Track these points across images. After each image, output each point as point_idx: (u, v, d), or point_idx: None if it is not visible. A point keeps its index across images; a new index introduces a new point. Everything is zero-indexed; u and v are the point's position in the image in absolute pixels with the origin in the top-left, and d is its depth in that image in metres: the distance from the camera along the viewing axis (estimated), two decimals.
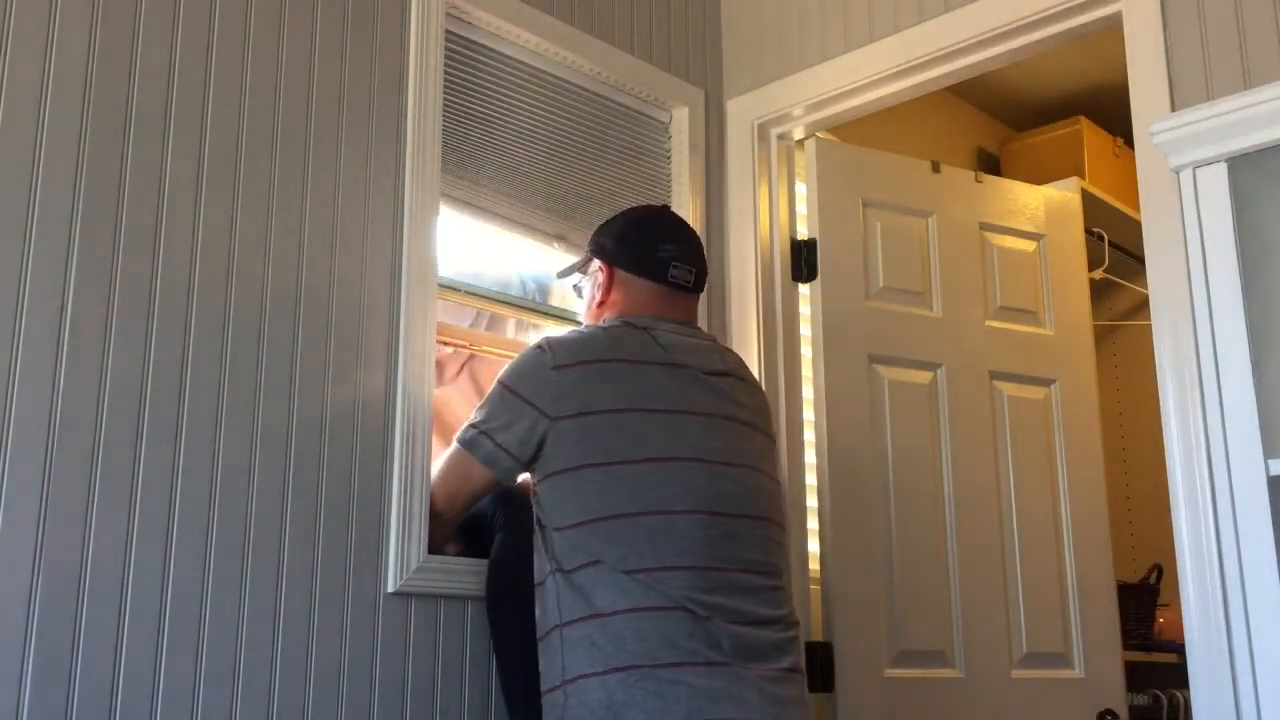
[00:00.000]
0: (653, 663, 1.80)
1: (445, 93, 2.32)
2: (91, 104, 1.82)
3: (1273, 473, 1.75)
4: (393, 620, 2.04)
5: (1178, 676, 2.38)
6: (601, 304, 2.15)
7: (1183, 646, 2.02)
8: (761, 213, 2.82)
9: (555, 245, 2.51)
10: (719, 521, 1.92)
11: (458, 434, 2.05)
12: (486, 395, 2.04)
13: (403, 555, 2.05)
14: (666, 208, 2.29)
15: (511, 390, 1.99)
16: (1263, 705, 1.72)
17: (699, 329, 2.15)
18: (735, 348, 2.78)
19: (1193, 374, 2.03)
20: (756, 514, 1.98)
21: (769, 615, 1.92)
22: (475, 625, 2.15)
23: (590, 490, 1.90)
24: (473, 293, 2.46)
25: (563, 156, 2.57)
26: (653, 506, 1.89)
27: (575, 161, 2.59)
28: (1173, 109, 2.14)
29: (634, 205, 2.35)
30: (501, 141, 2.45)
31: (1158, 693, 3.41)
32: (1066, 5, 2.39)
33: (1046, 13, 2.42)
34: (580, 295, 2.26)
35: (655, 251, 2.12)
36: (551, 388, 1.95)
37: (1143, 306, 3.72)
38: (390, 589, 2.04)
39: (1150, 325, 2.15)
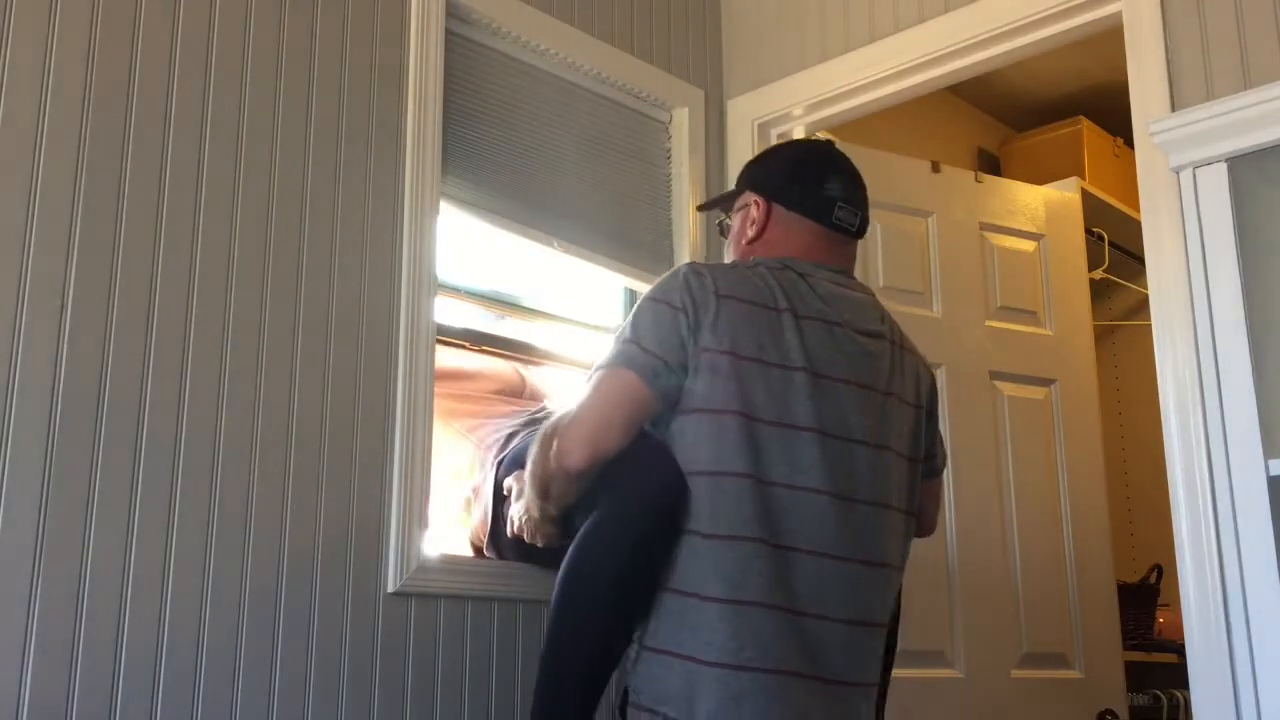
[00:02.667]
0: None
1: (445, 93, 2.32)
2: (91, 104, 1.82)
3: (1273, 473, 1.75)
4: (393, 620, 2.04)
5: (1178, 676, 2.38)
6: (753, 241, 1.95)
7: (1183, 646, 2.02)
8: None
9: (555, 245, 2.51)
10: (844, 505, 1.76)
11: (601, 359, 1.81)
12: (633, 312, 1.83)
13: (403, 555, 2.05)
14: (830, 143, 2.08)
15: (667, 303, 1.79)
16: (1263, 705, 1.72)
17: (856, 279, 1.97)
18: None
19: (1193, 374, 2.03)
20: (877, 500, 1.81)
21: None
22: (475, 625, 2.15)
23: (729, 440, 1.72)
24: (473, 293, 2.46)
25: (562, 156, 2.57)
26: (779, 479, 1.73)
27: (575, 161, 2.59)
28: (1173, 109, 2.14)
29: (792, 140, 2.21)
30: (501, 141, 2.45)
31: (1158, 693, 3.41)
32: (1066, 5, 2.38)
33: (1046, 13, 2.42)
34: (725, 234, 2.08)
35: (821, 189, 1.93)
36: (711, 311, 1.76)
37: (1143, 306, 3.71)
38: (390, 589, 2.04)
39: (1150, 325, 2.15)
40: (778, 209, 1.95)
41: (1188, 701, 2.04)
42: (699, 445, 1.73)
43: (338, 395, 2.04)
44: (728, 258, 2.03)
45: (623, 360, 1.76)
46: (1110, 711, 2.90)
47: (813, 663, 1.70)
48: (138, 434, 1.79)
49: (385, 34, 2.24)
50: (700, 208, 2.23)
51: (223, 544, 1.85)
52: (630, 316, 1.82)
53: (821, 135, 2.91)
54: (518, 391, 2.47)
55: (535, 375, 2.57)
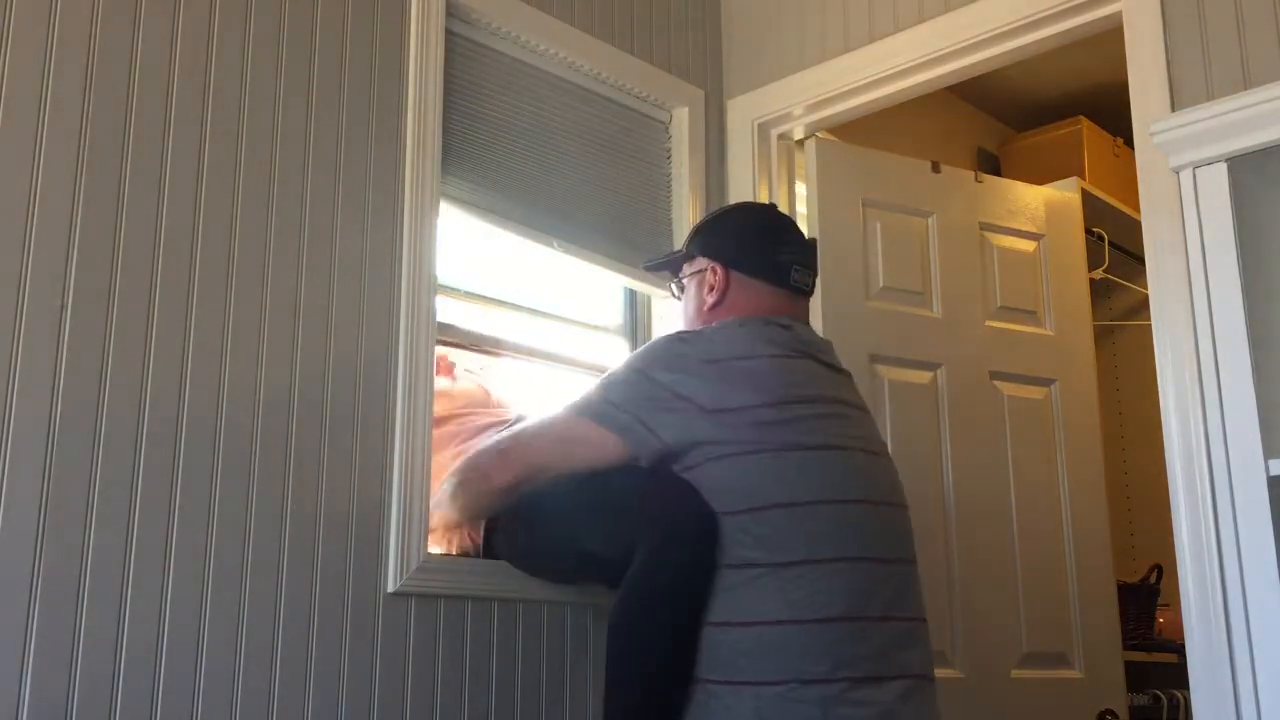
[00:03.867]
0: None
1: (445, 93, 2.32)
2: (91, 104, 1.82)
3: (1273, 473, 1.75)
4: (393, 620, 2.04)
5: (1178, 676, 2.38)
6: (715, 307, 2.07)
7: (1183, 646, 2.02)
8: None
9: (555, 245, 2.51)
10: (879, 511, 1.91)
11: (576, 404, 1.97)
12: (616, 379, 1.96)
13: (403, 555, 2.05)
14: (774, 207, 2.24)
15: (652, 378, 1.91)
16: (1263, 705, 1.72)
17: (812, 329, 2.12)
18: None
19: (1193, 374, 2.03)
20: (889, 502, 1.96)
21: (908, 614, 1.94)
22: (475, 625, 2.15)
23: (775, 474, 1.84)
24: (473, 293, 2.46)
25: (562, 156, 2.57)
26: (825, 496, 1.85)
27: (575, 161, 2.59)
28: (1173, 109, 2.14)
29: (736, 205, 2.33)
30: (501, 141, 2.45)
31: (1158, 693, 3.41)
32: (1066, 5, 2.39)
33: (1046, 13, 2.42)
34: (677, 295, 2.18)
35: (776, 254, 2.06)
36: (700, 379, 1.88)
37: (1143, 306, 3.72)
38: (390, 589, 2.04)
39: (1150, 325, 2.15)
40: (736, 275, 2.06)
41: (1188, 701, 2.04)
42: (732, 484, 1.83)
43: (338, 395, 2.04)
44: (683, 322, 2.13)
45: (600, 415, 1.91)
46: (1110, 711, 2.90)
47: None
48: (138, 434, 1.79)
49: (385, 34, 2.24)
50: (647, 267, 2.31)
51: (222, 544, 1.85)
52: (615, 377, 1.95)
53: (821, 135, 2.91)
54: (484, 405, 2.48)
55: (496, 385, 2.56)
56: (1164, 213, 2.14)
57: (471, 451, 2.05)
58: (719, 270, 2.06)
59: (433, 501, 2.11)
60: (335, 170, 2.11)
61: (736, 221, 2.16)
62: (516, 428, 2.07)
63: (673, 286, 2.19)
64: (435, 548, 2.18)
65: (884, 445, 2.03)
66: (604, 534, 1.92)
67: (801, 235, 2.13)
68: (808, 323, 2.10)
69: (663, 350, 1.95)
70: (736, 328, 1.97)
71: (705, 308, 2.07)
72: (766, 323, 1.99)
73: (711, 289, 2.06)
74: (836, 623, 1.78)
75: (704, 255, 2.09)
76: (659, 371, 1.90)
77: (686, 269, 2.13)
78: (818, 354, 1.99)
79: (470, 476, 2.03)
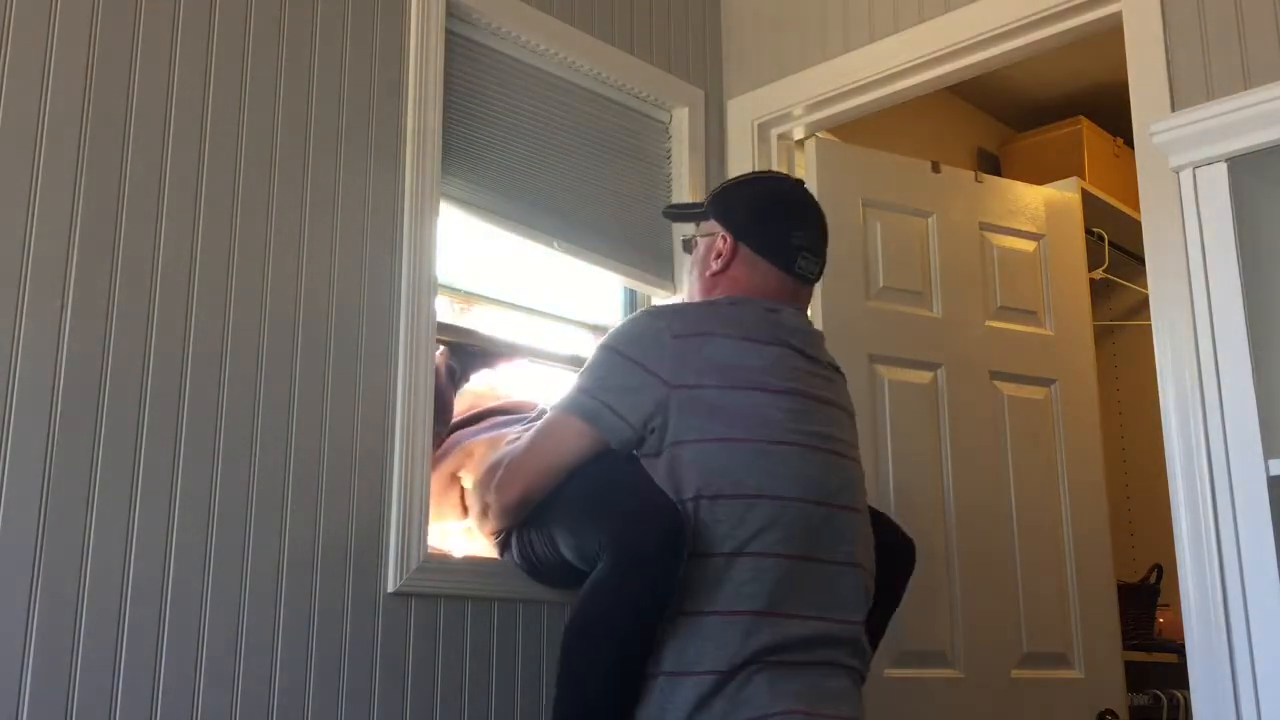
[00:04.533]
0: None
1: (445, 93, 2.32)
2: (91, 104, 1.82)
3: (1273, 473, 1.75)
4: (393, 620, 2.04)
5: (1178, 676, 2.38)
6: (717, 275, 2.04)
7: (1183, 646, 2.02)
8: None
9: (555, 245, 2.51)
10: (821, 511, 1.86)
11: (559, 401, 1.96)
12: (590, 362, 1.95)
13: (403, 555, 2.05)
14: (801, 184, 2.15)
15: (620, 353, 1.90)
16: (1263, 705, 1.72)
17: (809, 320, 2.07)
18: None
19: (1193, 374, 2.03)
20: (846, 505, 1.92)
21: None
22: (475, 625, 2.15)
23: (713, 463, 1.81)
24: (472, 293, 2.46)
25: (563, 156, 2.57)
26: (765, 491, 1.82)
27: (575, 161, 2.59)
28: (1173, 109, 2.14)
29: (764, 173, 2.26)
30: (501, 141, 2.45)
31: (1158, 693, 3.41)
32: (1066, 5, 2.39)
33: (1046, 13, 2.42)
34: (689, 250, 2.15)
35: (788, 237, 2.01)
36: (669, 354, 1.86)
37: (1143, 306, 3.72)
38: (390, 589, 2.04)
39: (1150, 325, 2.15)
40: (744, 249, 2.02)
41: (1188, 701, 2.04)
42: (700, 470, 1.80)
43: (338, 395, 2.04)
44: (688, 278, 2.11)
45: (573, 406, 1.90)
46: (1110, 711, 2.90)
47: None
48: (138, 434, 1.79)
49: (385, 34, 2.24)
50: (666, 213, 2.29)
51: (223, 544, 1.85)
52: (589, 362, 1.93)
53: (821, 135, 2.91)
54: (505, 408, 2.47)
55: (505, 385, 2.56)
56: (1164, 213, 2.14)
57: (484, 467, 2.04)
58: (728, 240, 2.03)
59: (473, 516, 2.13)
60: (335, 170, 2.11)
61: (756, 193, 2.10)
62: (523, 437, 2.03)
63: (685, 241, 2.18)
64: (443, 545, 2.18)
65: (849, 444, 1.98)
66: (572, 543, 1.91)
67: (819, 221, 2.07)
68: (804, 311, 2.06)
69: (634, 325, 1.93)
70: (725, 305, 1.96)
71: (708, 272, 2.05)
72: (754, 306, 1.96)
73: (718, 255, 2.03)
74: (762, 616, 1.77)
75: (718, 220, 2.06)
76: (627, 346, 1.89)
77: (700, 228, 2.11)
78: (799, 344, 1.95)
79: (486, 497, 2.01)
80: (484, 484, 2.00)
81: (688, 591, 1.77)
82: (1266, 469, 1.75)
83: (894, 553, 2.07)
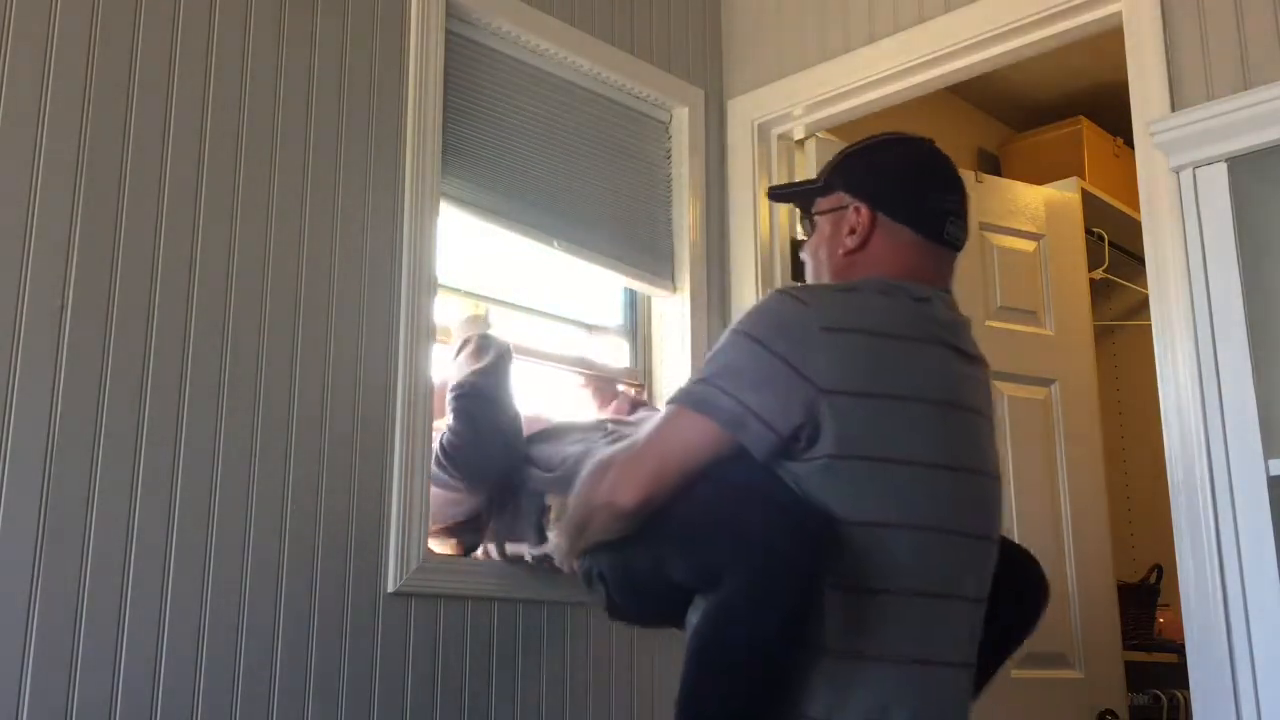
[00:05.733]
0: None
1: (445, 93, 2.32)
2: (91, 104, 1.82)
3: (1273, 473, 1.75)
4: (393, 620, 2.04)
5: (1178, 676, 2.38)
6: (853, 253, 1.74)
7: (1183, 646, 2.02)
8: (762, 213, 2.82)
9: (555, 245, 2.51)
10: (966, 542, 1.64)
11: (682, 394, 1.63)
12: (721, 349, 1.64)
13: (403, 555, 2.05)
14: (933, 143, 1.86)
15: (764, 346, 1.57)
16: (1263, 705, 1.72)
17: (955, 303, 1.78)
18: None
19: (1193, 374, 2.03)
20: (990, 535, 1.69)
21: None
22: (475, 625, 2.15)
23: (893, 487, 1.56)
24: (472, 293, 2.46)
25: (563, 156, 2.57)
26: (956, 526, 1.60)
27: (575, 161, 2.59)
28: (1173, 109, 2.14)
29: (888, 135, 1.89)
30: (501, 141, 2.45)
31: (1158, 693, 3.41)
32: (1066, 5, 2.38)
33: (1046, 13, 2.41)
34: (808, 232, 1.84)
35: (937, 200, 1.74)
36: (822, 351, 1.56)
37: (1143, 306, 3.71)
38: (390, 589, 2.04)
39: (1150, 325, 2.15)
40: (883, 218, 1.73)
41: (1188, 701, 2.04)
42: (842, 493, 1.54)
43: (338, 395, 2.04)
44: (812, 265, 1.82)
45: (701, 403, 1.58)
46: (1110, 711, 2.90)
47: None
48: (138, 434, 1.79)
49: (385, 34, 2.24)
50: (773, 194, 1.99)
51: (223, 544, 1.85)
52: (718, 349, 1.63)
53: (821, 135, 2.91)
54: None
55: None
56: (1164, 213, 2.14)
57: (587, 470, 1.72)
58: (863, 210, 1.73)
59: (551, 543, 1.94)
60: (335, 170, 2.11)
61: (891, 156, 1.82)
62: (632, 438, 1.73)
63: (802, 224, 1.87)
64: (437, 546, 2.18)
65: (998, 464, 1.73)
66: (688, 563, 1.58)
67: (961, 181, 1.81)
68: (950, 288, 1.77)
69: (776, 311, 1.62)
70: (875, 295, 1.66)
71: (842, 251, 1.75)
72: (907, 294, 1.67)
73: (852, 231, 1.74)
74: (919, 666, 1.56)
75: (847, 190, 1.76)
76: (771, 337, 1.58)
77: (821, 203, 1.80)
78: (954, 340, 1.69)
79: (591, 503, 1.66)
80: (592, 486, 1.66)
81: (841, 629, 1.52)
82: (1266, 469, 1.75)
83: (1025, 591, 1.81)
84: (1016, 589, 1.76)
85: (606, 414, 2.53)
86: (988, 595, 1.66)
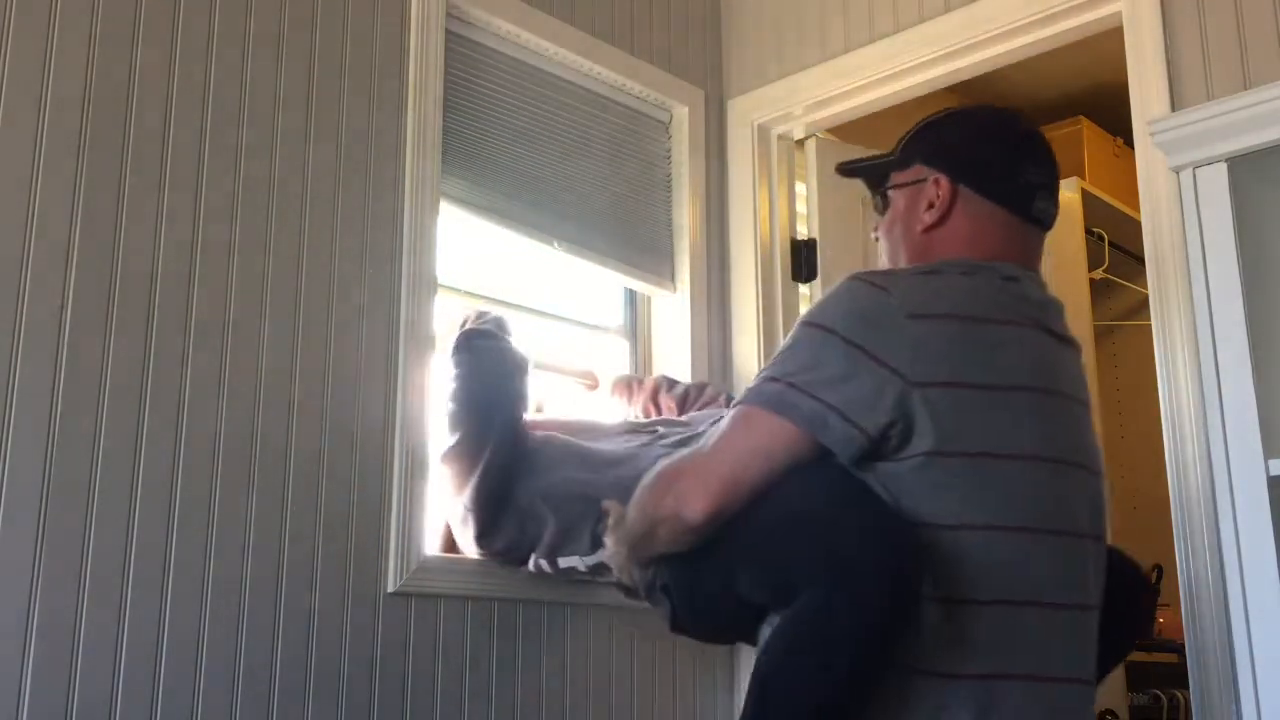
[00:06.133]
0: None
1: (445, 93, 2.32)
2: (91, 104, 1.82)
3: (1273, 473, 1.74)
4: (393, 620, 2.04)
5: (1178, 676, 2.38)
6: (932, 228, 1.59)
7: (1183, 646, 2.02)
8: (761, 213, 2.82)
9: (555, 245, 2.51)
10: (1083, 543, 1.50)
11: (752, 393, 1.47)
12: (794, 342, 1.48)
13: (403, 555, 2.05)
14: (1019, 114, 1.73)
15: (841, 336, 1.42)
16: (1263, 705, 1.72)
17: (1046, 285, 1.63)
18: (735, 347, 2.78)
19: (1193, 374, 2.03)
20: (1100, 535, 1.55)
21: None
22: (475, 625, 2.15)
23: (997, 486, 1.42)
24: (472, 293, 2.46)
25: (563, 156, 2.56)
26: (1062, 526, 1.46)
27: (575, 161, 2.59)
28: (1173, 109, 2.14)
29: (969, 105, 1.77)
30: (501, 141, 2.45)
31: (1158, 693, 3.41)
32: (1066, 5, 2.38)
33: (1046, 13, 2.42)
34: (880, 209, 1.70)
35: (1023, 172, 1.60)
36: (908, 340, 1.41)
37: (1143, 306, 3.72)
38: (390, 589, 2.04)
39: (1150, 325, 2.15)
40: (966, 192, 1.58)
41: (1188, 701, 2.03)
42: (940, 495, 1.40)
43: (338, 394, 2.04)
44: (886, 245, 1.68)
45: (776, 402, 1.43)
46: (1110, 711, 2.89)
47: None
48: (138, 434, 1.79)
49: (385, 34, 2.24)
50: (842, 169, 1.79)
51: (223, 544, 1.85)
52: (789, 343, 1.48)
53: (822, 135, 2.91)
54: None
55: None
56: (1164, 213, 2.14)
57: (652, 477, 1.55)
58: (943, 183, 1.59)
59: (608, 549, 1.70)
60: (335, 170, 2.11)
61: (974, 124, 1.68)
62: (699, 442, 1.57)
63: (874, 201, 1.72)
64: (467, 549, 2.17)
65: (1100, 459, 1.59)
66: (761, 577, 1.45)
67: (1051, 153, 1.66)
68: (1039, 269, 1.63)
69: (852, 298, 1.46)
70: (959, 276, 1.51)
71: (920, 228, 1.60)
72: (994, 273, 1.54)
73: (931, 205, 1.59)
74: (1013, 682, 1.41)
75: (925, 162, 1.62)
76: (849, 327, 1.43)
77: (896, 178, 1.66)
78: (1048, 322, 1.55)
79: (659, 512, 1.50)
80: (656, 496, 1.50)
81: (936, 645, 1.38)
82: (1266, 469, 1.75)
83: (1126, 595, 1.65)
84: (1115, 590, 1.59)
85: (638, 407, 2.48)
86: (1099, 603, 1.52)
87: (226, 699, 1.82)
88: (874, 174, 1.71)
